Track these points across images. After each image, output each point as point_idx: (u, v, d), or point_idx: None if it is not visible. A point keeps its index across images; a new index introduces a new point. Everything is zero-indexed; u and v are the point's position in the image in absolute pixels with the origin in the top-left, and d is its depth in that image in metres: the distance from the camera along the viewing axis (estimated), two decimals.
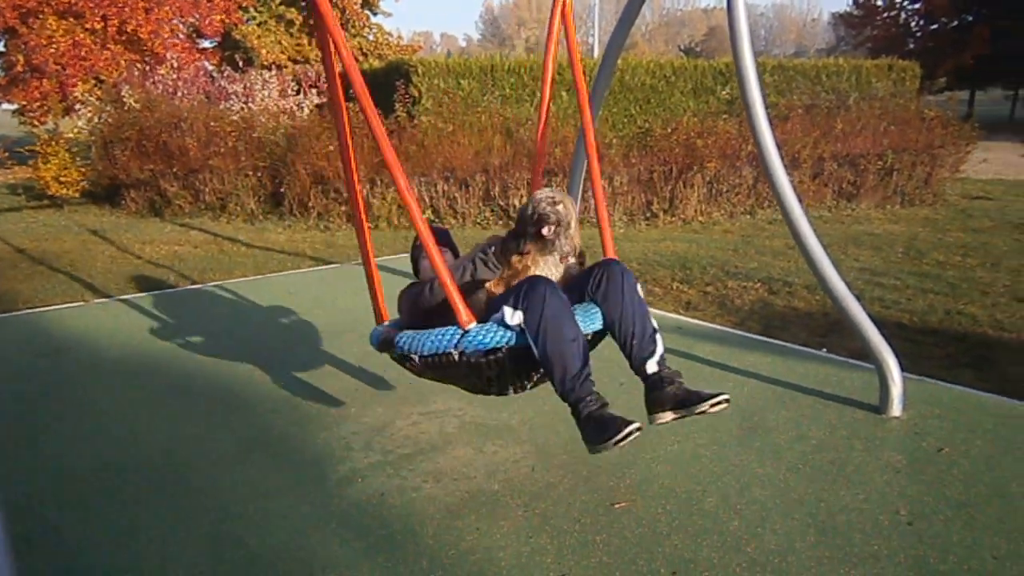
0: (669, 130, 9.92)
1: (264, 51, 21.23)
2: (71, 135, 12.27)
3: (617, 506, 2.84)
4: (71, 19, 16.20)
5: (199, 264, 7.50)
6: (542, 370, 2.58)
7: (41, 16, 15.91)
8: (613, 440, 2.30)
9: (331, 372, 4.34)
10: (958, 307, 5.38)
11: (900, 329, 4.90)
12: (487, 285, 2.76)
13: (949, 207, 10.26)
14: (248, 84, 12.48)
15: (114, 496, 3.01)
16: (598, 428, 2.36)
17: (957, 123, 11.16)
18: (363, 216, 3.02)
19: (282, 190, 10.08)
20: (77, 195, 11.61)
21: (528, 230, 2.67)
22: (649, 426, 2.50)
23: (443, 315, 2.61)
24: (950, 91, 24.27)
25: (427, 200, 9.47)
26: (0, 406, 3.97)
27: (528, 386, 2.79)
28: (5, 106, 19.69)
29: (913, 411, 3.59)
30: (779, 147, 3.43)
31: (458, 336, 2.52)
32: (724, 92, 13.19)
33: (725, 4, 3.35)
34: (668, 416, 2.50)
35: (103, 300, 6.10)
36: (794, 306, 5.64)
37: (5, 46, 17.37)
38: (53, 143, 11.25)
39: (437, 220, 9.49)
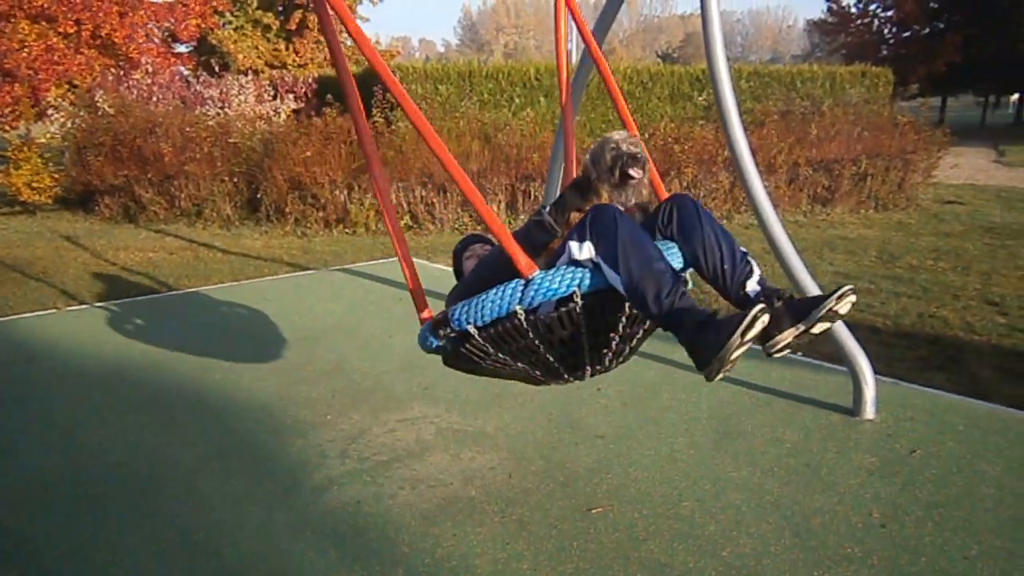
0: (646, 135, 9.98)
1: (240, 56, 21.09)
2: (44, 140, 12.13)
3: (594, 511, 2.85)
4: (44, 23, 15.98)
5: (174, 271, 7.42)
6: (624, 321, 2.27)
7: (13, 20, 15.69)
8: (739, 329, 1.89)
9: (307, 379, 4.31)
10: (930, 310, 5.45)
11: (873, 332, 4.95)
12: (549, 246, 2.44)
13: (922, 212, 10.40)
14: (224, 89, 12.39)
15: (84, 506, 2.96)
16: (716, 328, 1.94)
17: (929, 129, 11.32)
18: (392, 218, 2.66)
19: (259, 196, 10.02)
20: (50, 201, 11.46)
21: (607, 176, 2.41)
22: (768, 357, 2.15)
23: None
24: (923, 97, 24.62)
25: (405, 206, 9.44)
26: None
27: (608, 357, 2.41)
28: None
29: (886, 413, 3.63)
30: (754, 153, 3.47)
31: (521, 287, 2.17)
32: (701, 98, 13.32)
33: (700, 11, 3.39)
34: (788, 335, 2.10)
35: (76, 307, 6.02)
36: None
37: None
38: (25, 148, 11.09)
39: (416, 226, 9.48)
